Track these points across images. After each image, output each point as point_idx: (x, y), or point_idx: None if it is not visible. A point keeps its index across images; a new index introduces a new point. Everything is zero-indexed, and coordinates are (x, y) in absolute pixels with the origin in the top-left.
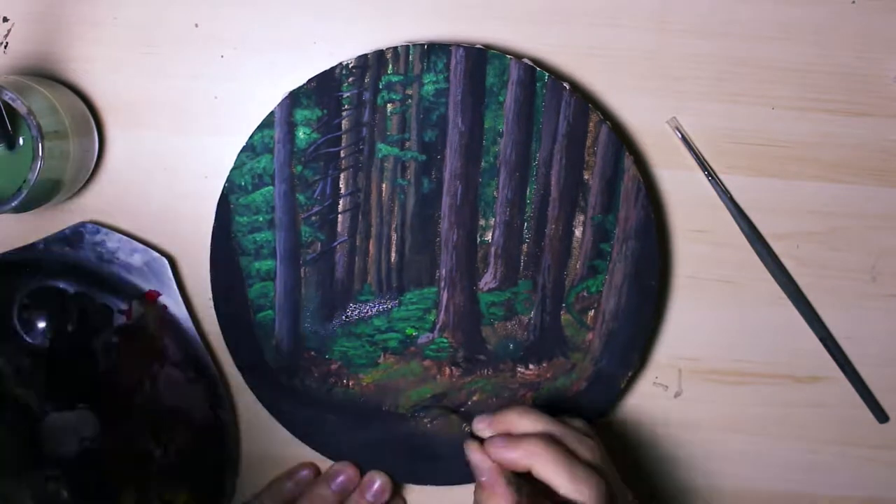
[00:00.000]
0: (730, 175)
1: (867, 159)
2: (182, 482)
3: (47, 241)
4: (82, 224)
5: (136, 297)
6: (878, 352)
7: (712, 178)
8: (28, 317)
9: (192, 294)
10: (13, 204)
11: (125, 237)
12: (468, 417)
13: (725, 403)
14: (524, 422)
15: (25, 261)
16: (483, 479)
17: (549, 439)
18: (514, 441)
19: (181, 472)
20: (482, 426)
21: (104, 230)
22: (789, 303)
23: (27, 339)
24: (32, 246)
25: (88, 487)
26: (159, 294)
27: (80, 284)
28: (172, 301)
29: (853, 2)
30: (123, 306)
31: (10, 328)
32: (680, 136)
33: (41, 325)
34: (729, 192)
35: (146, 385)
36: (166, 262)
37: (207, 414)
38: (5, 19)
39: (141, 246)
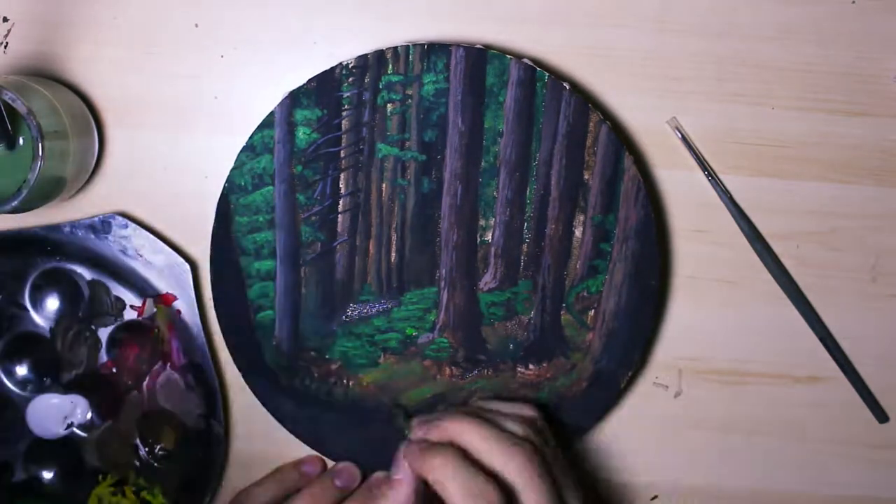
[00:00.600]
0: (730, 175)
1: (867, 159)
2: (161, 484)
3: (74, 224)
4: (112, 215)
5: (151, 295)
6: (878, 352)
7: (712, 178)
8: (40, 295)
9: (206, 300)
10: (13, 204)
11: (153, 236)
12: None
13: (725, 403)
14: (456, 427)
15: (48, 240)
16: (398, 476)
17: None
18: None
19: (162, 475)
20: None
21: (133, 225)
22: (789, 303)
23: (36, 317)
24: (58, 227)
25: (68, 471)
26: (175, 298)
27: (97, 272)
28: (187, 307)
29: (853, 2)
30: (137, 302)
31: (20, 303)
32: (680, 136)
33: (52, 305)
34: (729, 192)
35: (144, 383)
36: (188, 268)
37: (199, 422)
38: (5, 19)
39: (167, 248)
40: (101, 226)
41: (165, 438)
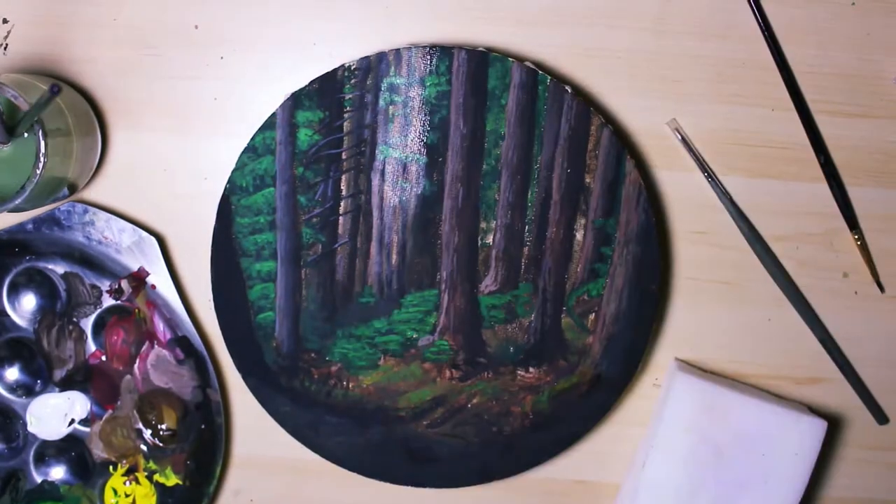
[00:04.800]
0: (730, 176)
1: (867, 161)
2: (171, 463)
3: (36, 221)
4: (71, 204)
5: (124, 276)
6: (877, 352)
7: (712, 179)
8: (17, 297)
9: (186, 278)
10: (17, 202)
11: (113, 216)
12: None
13: None
14: None
15: (15, 241)
16: None
17: None
18: None
19: (170, 454)
20: None
21: (92, 210)
22: (789, 304)
23: (17, 319)
24: (22, 226)
25: (78, 468)
26: (148, 273)
27: (69, 264)
28: (161, 280)
29: (853, 2)
30: (112, 286)
31: (0, 309)
32: (680, 137)
33: (31, 305)
34: (729, 194)
35: (135, 366)
36: (155, 241)
37: (196, 395)
38: (5, 21)
39: (129, 225)
40: (63, 216)
41: (167, 417)
